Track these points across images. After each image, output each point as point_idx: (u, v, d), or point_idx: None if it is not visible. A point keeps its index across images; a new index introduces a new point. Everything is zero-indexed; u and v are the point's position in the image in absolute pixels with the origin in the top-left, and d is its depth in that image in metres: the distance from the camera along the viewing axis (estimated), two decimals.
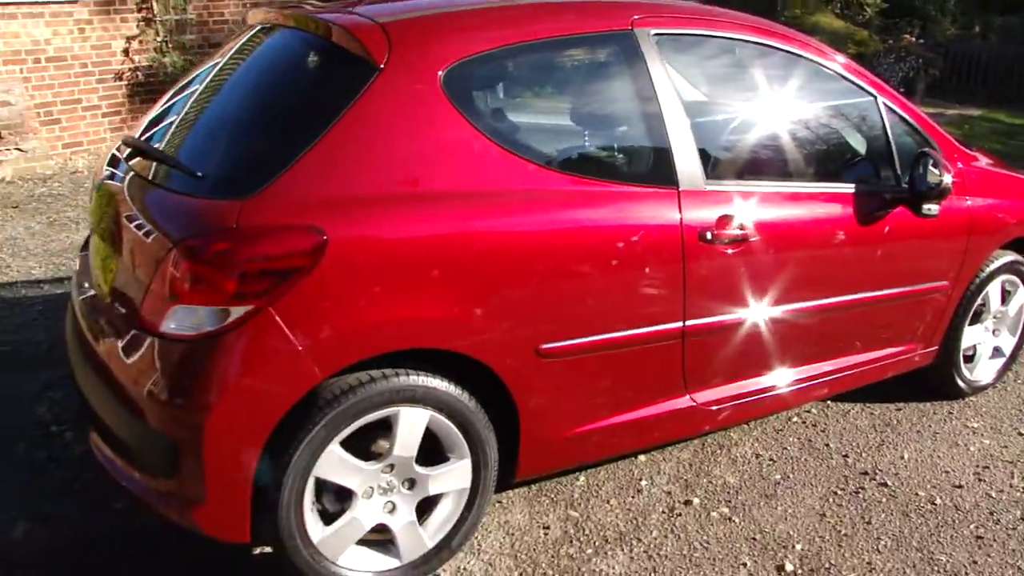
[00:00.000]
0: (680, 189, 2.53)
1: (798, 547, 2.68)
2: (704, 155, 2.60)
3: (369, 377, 2.13)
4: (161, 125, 2.56)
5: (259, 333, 1.97)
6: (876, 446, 3.30)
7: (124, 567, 2.46)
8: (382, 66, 2.17)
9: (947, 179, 2.91)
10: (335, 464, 2.16)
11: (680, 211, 2.51)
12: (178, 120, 2.49)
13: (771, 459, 3.18)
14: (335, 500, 2.25)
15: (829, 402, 3.57)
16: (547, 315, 2.33)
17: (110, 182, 2.50)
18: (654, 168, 2.53)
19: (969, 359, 3.63)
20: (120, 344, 2.14)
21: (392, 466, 2.27)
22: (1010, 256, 3.51)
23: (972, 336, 3.57)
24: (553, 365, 2.38)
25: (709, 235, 2.55)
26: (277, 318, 1.98)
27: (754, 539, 2.72)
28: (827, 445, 3.30)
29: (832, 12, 16.19)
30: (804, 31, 11.31)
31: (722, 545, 2.68)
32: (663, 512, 2.83)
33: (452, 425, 2.29)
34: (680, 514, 2.82)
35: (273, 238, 1.98)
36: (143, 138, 2.55)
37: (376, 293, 2.08)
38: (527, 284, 2.28)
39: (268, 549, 2.28)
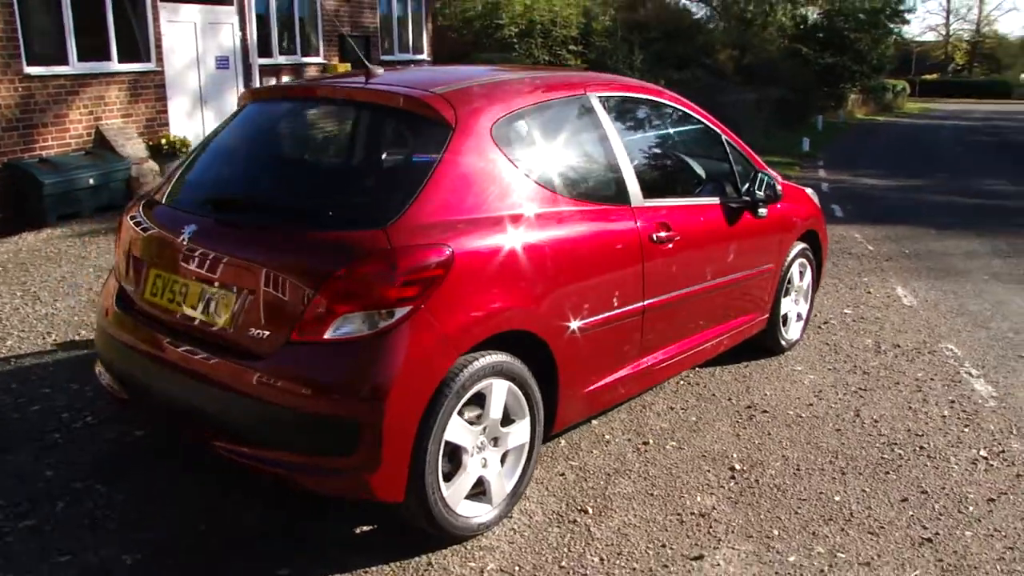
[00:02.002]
0: (633, 206, 3.49)
1: (734, 454, 3.71)
2: (640, 180, 3.58)
3: (478, 357, 2.82)
4: (231, 181, 3.07)
5: (416, 328, 2.61)
6: (745, 390, 4.46)
7: None
8: (454, 126, 2.91)
9: (779, 189, 4.17)
10: (457, 428, 2.81)
11: (636, 221, 3.47)
12: (261, 175, 3.02)
13: (682, 408, 4.20)
14: (447, 462, 2.88)
15: (696, 368, 4.68)
16: (574, 300, 3.16)
17: (188, 235, 2.91)
18: (617, 191, 3.47)
19: (784, 322, 4.95)
20: (267, 357, 2.63)
21: (485, 428, 2.95)
22: (802, 245, 4.89)
23: (786, 305, 4.90)
24: (579, 339, 3.21)
25: (654, 237, 3.54)
26: (427, 315, 2.63)
27: (703, 456, 3.70)
28: (713, 394, 4.39)
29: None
30: None
31: (685, 463, 3.63)
32: (633, 451, 3.72)
33: (519, 391, 3.02)
34: (646, 451, 3.74)
35: (421, 253, 2.64)
36: (219, 192, 3.03)
37: (481, 291, 2.79)
38: (562, 278, 3.10)
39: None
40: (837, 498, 3.38)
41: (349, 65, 13.61)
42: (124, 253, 3.30)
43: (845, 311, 5.98)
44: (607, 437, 3.85)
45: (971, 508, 3.32)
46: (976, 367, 4.89)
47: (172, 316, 2.97)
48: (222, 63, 11.20)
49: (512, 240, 2.92)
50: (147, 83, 9.92)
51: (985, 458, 3.75)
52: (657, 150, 3.97)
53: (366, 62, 3.31)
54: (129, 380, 3.15)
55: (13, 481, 3.37)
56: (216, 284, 2.82)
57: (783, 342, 4.95)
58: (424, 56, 16.66)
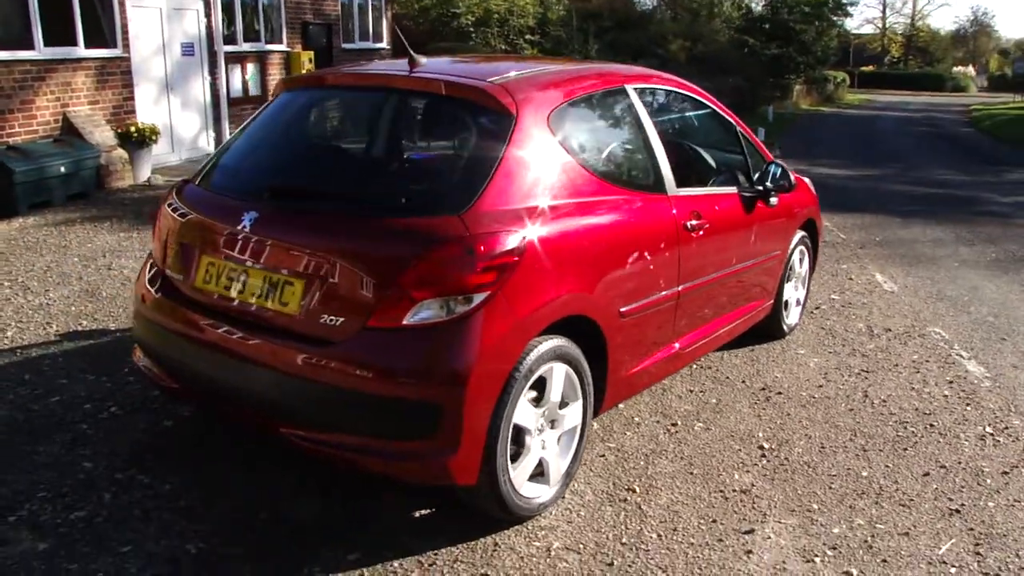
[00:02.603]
0: (669, 194, 3.60)
1: (760, 434, 3.86)
2: (673, 171, 3.69)
3: (542, 341, 2.89)
4: (290, 169, 3.08)
5: (492, 313, 2.67)
6: (756, 373, 4.62)
7: None
8: (515, 115, 2.97)
9: (793, 179, 4.32)
10: (524, 411, 2.89)
11: (672, 208, 3.58)
12: (321, 162, 3.04)
13: (701, 391, 4.34)
14: (512, 444, 2.95)
15: (708, 353, 4.82)
16: (622, 286, 3.26)
17: (242, 224, 2.91)
18: (655, 180, 3.57)
19: (785, 308, 5.12)
20: (341, 342, 2.66)
21: (545, 411, 3.03)
22: (802, 233, 5.06)
23: (788, 291, 5.07)
24: (626, 323, 3.30)
25: (688, 224, 3.65)
26: (503, 301, 2.69)
27: (731, 436, 3.84)
28: (727, 377, 4.54)
29: None
30: None
31: (716, 443, 3.76)
32: (664, 433, 3.84)
33: (574, 374, 3.11)
34: (676, 432, 3.86)
35: (498, 239, 2.70)
36: (279, 180, 3.04)
37: (549, 277, 2.86)
38: (612, 263, 3.19)
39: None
40: (864, 473, 3.54)
41: (312, 53, 13.45)
42: (166, 241, 3.27)
43: (833, 296, 6.20)
44: (636, 420, 3.96)
45: (988, 481, 3.52)
46: (965, 349, 5.13)
47: (229, 303, 2.96)
48: (187, 50, 10.98)
49: (572, 226, 3.00)
50: (114, 69, 9.68)
51: (991, 434, 3.96)
52: (684, 140, 4.09)
53: (411, 51, 3.33)
54: (179, 368, 3.14)
55: (52, 473, 3.33)
56: (282, 271, 2.83)
57: (784, 327, 5.13)
58: (384, 45, 16.54)
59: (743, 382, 4.49)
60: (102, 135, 9.26)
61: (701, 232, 3.73)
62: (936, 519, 3.21)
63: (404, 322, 2.63)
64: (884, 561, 2.93)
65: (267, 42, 12.76)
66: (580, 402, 3.17)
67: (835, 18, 34.60)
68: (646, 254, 3.38)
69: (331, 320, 2.71)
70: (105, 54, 9.54)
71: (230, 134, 11.77)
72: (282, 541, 2.91)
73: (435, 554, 2.87)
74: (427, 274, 2.63)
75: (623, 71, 3.78)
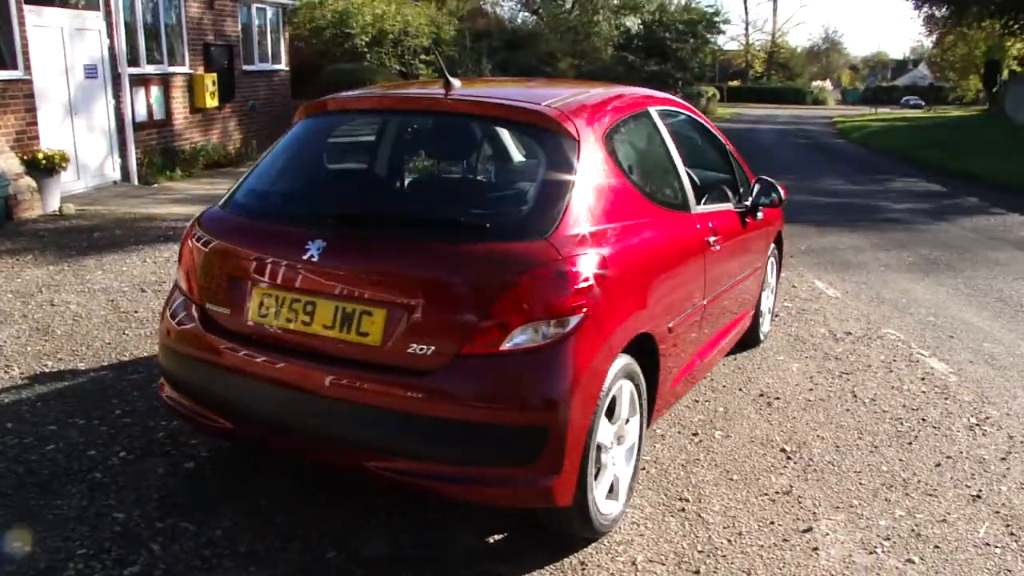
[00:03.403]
0: (692, 212, 3.73)
1: (776, 438, 4.03)
2: (692, 189, 3.83)
3: (618, 359, 2.94)
4: (352, 195, 3.02)
5: (585, 335, 2.70)
6: (747, 380, 4.82)
7: None
8: (578, 139, 3.02)
9: (783, 194, 4.55)
10: (604, 429, 2.93)
11: (697, 225, 3.71)
12: (384, 188, 2.99)
13: (705, 400, 4.49)
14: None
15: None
16: (669, 302, 3.36)
17: (308, 256, 2.81)
18: (682, 198, 3.70)
19: (761, 316, 5.37)
20: (434, 371, 2.63)
21: (616, 428, 3.08)
22: (773, 246, 5.33)
23: (764, 300, 5.32)
24: (671, 338, 3.40)
25: (709, 240, 3.79)
26: (593, 322, 2.73)
27: (752, 442, 4.00)
28: (724, 386, 4.72)
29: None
30: None
31: (740, 449, 3.91)
32: (689, 443, 3.96)
33: (635, 391, 3.17)
34: (700, 441, 3.98)
35: (586, 261, 2.73)
36: (344, 207, 2.98)
37: (624, 297, 2.93)
38: (662, 281, 3.28)
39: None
40: (884, 468, 3.76)
41: (215, 75, 13.03)
42: (202, 274, 3.13)
43: (786, 304, 6.52)
44: (659, 432, 4.06)
45: (993, 467, 3.81)
46: (923, 348, 5.52)
47: (294, 336, 2.87)
48: (91, 72, 10.43)
49: (632, 246, 3.07)
50: (16, 92, 9.09)
51: (977, 425, 4.28)
52: (692, 159, 4.24)
53: (446, 75, 3.33)
54: (234, 407, 3.01)
55: (84, 527, 3.12)
56: (359, 301, 2.77)
57: (761, 335, 5.37)
58: (282, 66, 16.21)
59: (740, 390, 4.67)
60: (7, 162, 8.67)
61: (718, 248, 3.88)
62: (963, 505, 3.45)
63: (502, 348, 2.63)
64: (936, 547, 3.13)
65: (170, 64, 12.27)
66: (637, 417, 3.24)
67: (709, 35, 36.39)
68: (684, 270, 3.50)
69: (421, 349, 2.67)
70: (6, 76, 8.96)
71: (137, 160, 11.25)
72: None
73: None
74: (523, 299, 2.63)
75: (643, 93, 3.89)
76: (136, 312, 5.77)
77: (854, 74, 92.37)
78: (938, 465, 3.81)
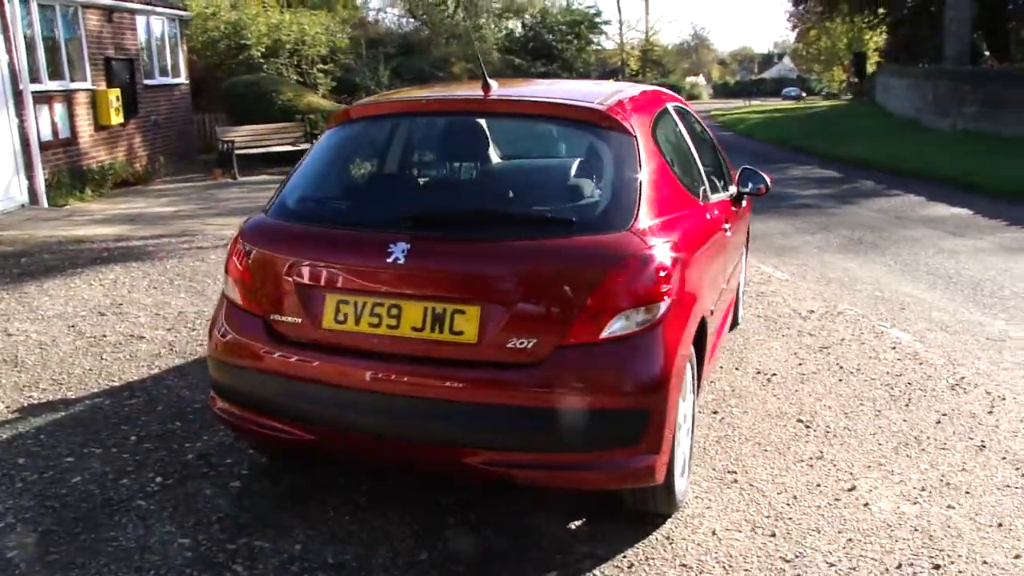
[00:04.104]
0: (710, 202, 3.93)
1: (789, 411, 4.28)
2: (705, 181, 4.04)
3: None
4: (428, 196, 3.07)
5: (672, 320, 2.84)
6: (740, 360, 5.07)
7: None
8: (635, 135, 3.16)
9: (769, 182, 4.82)
10: (683, 408, 3.07)
11: (716, 212, 3.92)
12: (460, 187, 3.06)
13: (711, 382, 4.70)
14: None
15: None
16: (710, 286, 3.54)
17: (398, 255, 2.82)
18: (703, 189, 3.88)
19: (739, 299, 5.65)
20: (538, 364, 2.71)
21: (685, 406, 3.22)
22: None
23: (741, 283, 5.60)
24: (712, 319, 3.58)
25: (725, 227, 4.00)
26: (676, 308, 2.87)
27: (768, 416, 4.23)
28: (721, 367, 4.95)
29: (323, 93, 18.12)
30: (300, 111, 13.36)
31: (761, 423, 4.13)
32: (712, 421, 4.16)
33: (693, 371, 3.33)
34: (722, 418, 4.19)
35: (667, 251, 2.87)
36: (424, 208, 3.03)
37: (692, 283, 3.08)
38: (706, 267, 3.46)
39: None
40: (894, 428, 4.06)
41: (119, 91, 12.49)
42: (259, 285, 3.09)
43: (745, 288, 6.85)
44: None
45: (985, 419, 4.17)
46: (882, 321, 5.93)
47: (379, 341, 2.87)
48: None
49: (687, 234, 3.23)
50: None
51: (956, 384, 4.66)
52: (696, 152, 4.44)
53: (487, 77, 3.40)
54: (317, 417, 2.98)
55: (154, 556, 3.03)
56: (452, 300, 2.81)
57: (739, 317, 5.65)
58: (182, 79, 15.67)
59: (737, 369, 4.91)
60: None
61: (729, 234, 4.10)
62: (974, 455, 3.78)
63: (601, 336, 2.73)
64: (967, 493, 3.42)
65: (72, 80, 11.70)
66: (692, 396, 3.40)
67: (592, 36, 37.35)
68: (718, 256, 3.69)
69: (521, 343, 2.74)
70: None
71: (45, 181, 10.68)
72: None
73: (624, 556, 2.97)
74: (618, 289, 2.74)
75: (657, 90, 4.06)
76: (105, 336, 5.54)
77: (723, 69, 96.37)
78: (938, 422, 4.14)
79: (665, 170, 3.29)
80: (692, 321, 3.03)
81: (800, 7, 38.21)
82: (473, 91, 3.43)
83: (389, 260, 2.83)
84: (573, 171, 3.25)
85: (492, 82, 3.44)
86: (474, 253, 2.87)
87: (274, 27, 18.84)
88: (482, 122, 3.46)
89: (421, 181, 3.35)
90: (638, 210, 2.94)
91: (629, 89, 3.71)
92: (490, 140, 3.55)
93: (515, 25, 35.24)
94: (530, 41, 33.86)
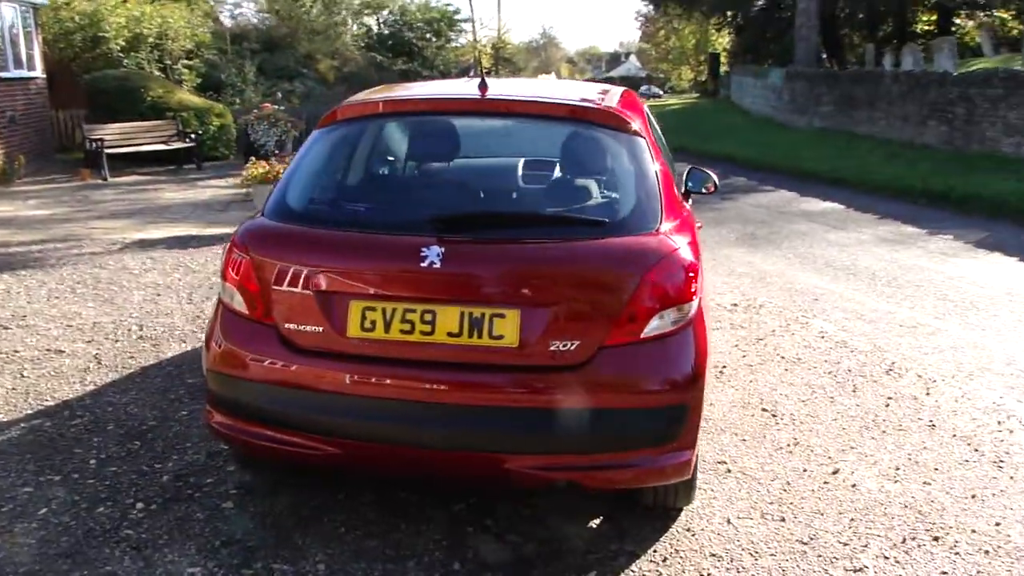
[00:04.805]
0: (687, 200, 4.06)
1: (752, 400, 4.49)
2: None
3: None
4: (452, 198, 3.10)
5: (700, 317, 2.93)
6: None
7: None
8: (644, 136, 3.22)
9: (716, 181, 5.01)
10: None
11: (689, 210, 4.05)
12: (478, 190, 3.03)
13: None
14: None
15: None
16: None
17: (436, 260, 2.77)
18: (681, 190, 4.00)
19: None
20: (582, 365, 2.74)
21: None
22: None
23: None
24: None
25: (699, 225, 4.14)
26: (701, 305, 2.96)
27: (733, 405, 4.41)
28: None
29: (188, 90, 17.22)
30: (171, 108, 12.93)
31: (729, 415, 4.31)
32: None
33: None
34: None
35: (692, 250, 2.95)
36: (450, 211, 2.99)
37: (703, 279, 3.18)
38: (702, 263, 3.57)
39: None
40: (851, 413, 4.34)
41: None
42: (268, 293, 2.95)
43: None
44: None
45: (925, 400, 4.51)
46: (803, 312, 6.28)
47: (410, 349, 2.81)
48: None
49: (692, 233, 3.32)
50: None
51: (891, 369, 5.02)
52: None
53: (483, 76, 3.39)
54: (345, 430, 2.87)
55: None
56: (490, 304, 2.77)
57: None
58: (38, 73, 14.54)
59: (732, 343, 5.09)
60: None
61: (700, 228, 4.24)
62: (929, 434, 4.08)
63: (642, 336, 2.78)
64: (936, 469, 3.71)
65: None
66: None
67: (452, 34, 37.41)
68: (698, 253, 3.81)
69: (564, 345, 2.75)
70: None
71: None
72: None
73: (654, 551, 3.05)
74: (655, 289, 2.80)
75: (632, 92, 4.14)
76: (18, 352, 5.13)
77: (572, 67, 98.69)
78: (887, 405, 4.45)
79: (667, 171, 3.38)
80: (708, 318, 3.13)
81: (658, 8, 39.77)
82: (470, 90, 3.39)
83: (424, 264, 2.76)
84: (592, 171, 3.27)
85: (490, 81, 3.42)
86: (512, 255, 2.85)
87: (135, 19, 17.76)
88: (490, 122, 3.42)
89: (439, 182, 3.28)
90: (662, 211, 3.01)
91: (614, 90, 3.78)
92: (505, 141, 3.53)
93: (372, 22, 34.81)
94: (390, 38, 33.56)
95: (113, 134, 13.41)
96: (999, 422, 4.21)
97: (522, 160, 3.51)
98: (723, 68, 39.22)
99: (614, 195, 3.14)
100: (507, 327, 2.76)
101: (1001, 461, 3.78)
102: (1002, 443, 3.97)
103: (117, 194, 11.76)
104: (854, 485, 3.55)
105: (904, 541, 3.13)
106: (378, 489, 3.43)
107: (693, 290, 2.89)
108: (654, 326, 2.81)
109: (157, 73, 18.30)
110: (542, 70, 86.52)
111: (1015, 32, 27.49)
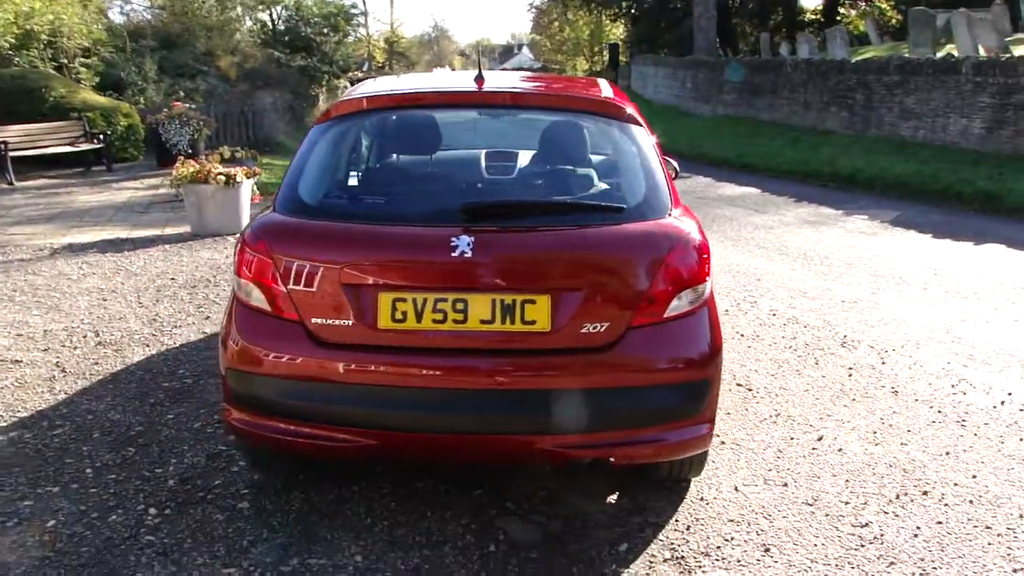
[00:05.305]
0: None
1: (726, 377, 4.71)
2: None
3: None
4: (477, 188, 3.22)
5: (712, 295, 3.09)
6: None
7: None
8: (644, 125, 3.36)
9: (676, 166, 5.21)
10: None
11: None
12: (499, 179, 3.13)
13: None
14: None
15: None
16: None
17: (459, 250, 2.83)
18: None
19: None
20: (611, 345, 2.86)
21: None
22: None
23: None
24: None
25: None
26: (711, 284, 3.12)
27: None
28: None
29: (91, 89, 16.49)
30: (75, 108, 12.47)
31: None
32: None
33: None
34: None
35: (702, 233, 3.10)
36: (476, 200, 3.08)
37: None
38: None
39: None
40: (820, 384, 4.62)
41: None
42: (291, 289, 2.95)
43: None
44: None
45: (882, 369, 4.84)
46: (749, 292, 6.58)
47: (443, 337, 2.87)
48: None
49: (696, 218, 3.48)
50: None
51: (844, 343, 5.34)
52: None
53: (480, 69, 3.46)
54: (380, 421, 2.91)
55: None
56: (521, 291, 2.85)
57: None
58: None
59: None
60: None
61: None
62: (894, 399, 4.39)
63: (665, 316, 2.92)
64: (908, 431, 4.00)
65: None
66: None
67: (349, 28, 36.94)
68: None
69: (594, 327, 2.86)
70: None
71: None
72: (536, 564, 2.97)
73: (676, 520, 3.21)
74: (675, 270, 2.94)
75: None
76: None
77: (465, 60, 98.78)
78: (850, 375, 4.75)
79: (663, 159, 3.53)
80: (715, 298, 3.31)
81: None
82: (469, 84, 3.46)
83: (455, 254, 2.83)
84: (598, 160, 3.39)
85: (487, 74, 3.50)
86: (540, 242, 2.94)
87: (24, 15, 16.86)
88: (490, 114, 3.49)
89: (455, 174, 3.33)
90: (672, 196, 3.16)
91: (600, 81, 3.91)
92: (512, 132, 3.61)
93: (267, 17, 34.05)
94: (287, 34, 32.92)
95: (16, 136, 12.72)
96: (952, 385, 4.56)
97: (528, 151, 3.60)
98: (622, 58, 40.03)
99: (626, 182, 3.27)
100: (538, 312, 2.85)
101: (964, 421, 4.11)
102: (960, 404, 4.31)
103: (28, 199, 11.20)
104: (840, 449, 3.80)
105: (898, 497, 3.38)
106: (393, 480, 3.47)
107: (706, 271, 3.05)
108: (674, 306, 2.95)
109: (53, 72, 17.45)
110: (435, 63, 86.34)
111: (894, 21, 29.20)
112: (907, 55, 14.97)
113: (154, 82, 20.13)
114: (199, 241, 8.38)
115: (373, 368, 2.89)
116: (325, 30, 34.20)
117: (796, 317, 5.87)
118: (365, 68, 71.39)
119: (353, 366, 2.90)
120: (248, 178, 8.81)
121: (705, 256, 3.06)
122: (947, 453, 3.77)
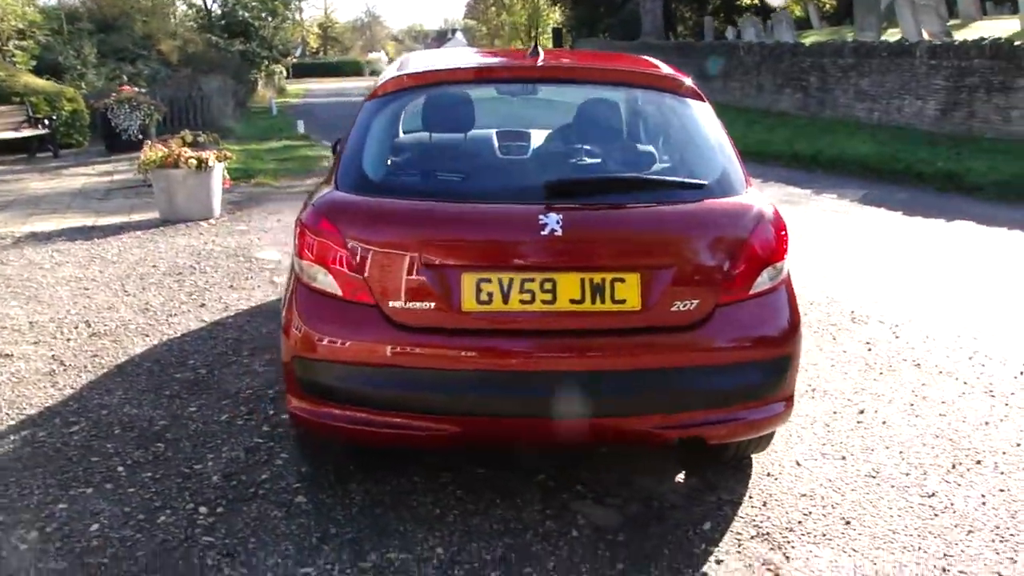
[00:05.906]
0: None
1: None
2: None
3: None
4: (560, 165, 3.18)
5: (788, 273, 3.07)
6: None
7: None
8: (703, 98, 3.31)
9: None
10: None
11: None
12: (586, 155, 3.09)
13: None
14: None
15: None
16: None
17: (557, 226, 2.74)
18: None
19: None
20: (702, 323, 2.82)
21: None
22: None
23: None
24: None
25: None
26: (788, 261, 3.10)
27: None
28: None
29: (28, 72, 15.74)
30: (16, 92, 12.08)
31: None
32: None
33: None
34: None
35: (777, 211, 3.06)
36: (562, 178, 2.98)
37: None
38: None
39: None
40: (843, 358, 4.66)
41: None
42: (366, 271, 2.81)
43: None
44: None
45: (896, 342, 4.91)
46: None
47: (530, 319, 2.77)
48: None
49: None
50: None
51: (854, 318, 5.41)
52: None
53: (537, 47, 3.37)
54: (469, 408, 2.80)
55: None
56: (610, 269, 2.77)
57: None
58: None
59: None
60: None
61: None
62: (919, 373, 4.45)
63: (751, 292, 2.88)
64: (943, 403, 4.05)
65: None
66: None
67: (288, 13, 36.05)
68: None
69: (684, 305, 2.80)
70: None
71: None
72: (641, 543, 2.92)
73: (750, 497, 3.19)
74: (759, 247, 2.91)
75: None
76: None
77: (398, 45, 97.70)
78: (870, 350, 4.80)
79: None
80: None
81: None
82: (527, 61, 3.36)
83: (544, 233, 2.73)
84: (670, 135, 3.32)
85: (540, 50, 3.41)
86: (628, 220, 2.87)
87: None
88: (548, 89, 3.38)
89: (528, 150, 3.21)
90: (745, 174, 3.12)
91: (645, 59, 3.84)
92: (553, 108, 3.51)
93: (200, 1, 33.04)
94: (223, 18, 32.00)
95: None
96: (969, 357, 4.65)
97: (589, 128, 3.50)
98: (568, 44, 40.07)
99: (701, 158, 3.20)
100: (628, 291, 2.78)
101: (991, 391, 4.19)
102: (983, 375, 4.39)
103: None
104: (884, 422, 3.84)
105: (954, 467, 3.43)
106: (453, 468, 3.37)
107: (785, 248, 3.02)
108: (759, 283, 2.92)
109: None
110: (368, 48, 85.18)
111: (828, 7, 29.92)
112: (851, 39, 15.28)
113: (94, 66, 19.32)
114: (171, 227, 8.06)
115: (458, 352, 2.78)
116: (263, 14, 33.29)
117: (800, 294, 5.88)
118: (299, 53, 69.93)
119: (437, 351, 2.78)
120: (219, 162, 8.50)
121: (783, 233, 3.03)
122: (986, 423, 3.83)
